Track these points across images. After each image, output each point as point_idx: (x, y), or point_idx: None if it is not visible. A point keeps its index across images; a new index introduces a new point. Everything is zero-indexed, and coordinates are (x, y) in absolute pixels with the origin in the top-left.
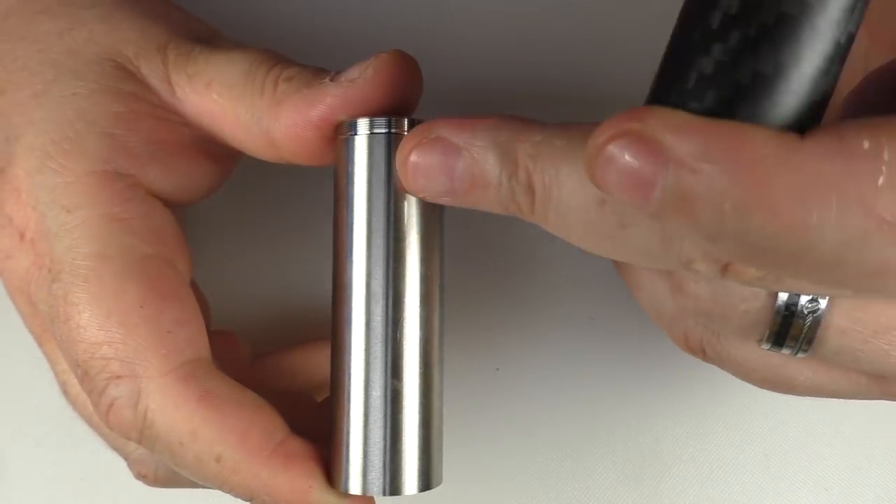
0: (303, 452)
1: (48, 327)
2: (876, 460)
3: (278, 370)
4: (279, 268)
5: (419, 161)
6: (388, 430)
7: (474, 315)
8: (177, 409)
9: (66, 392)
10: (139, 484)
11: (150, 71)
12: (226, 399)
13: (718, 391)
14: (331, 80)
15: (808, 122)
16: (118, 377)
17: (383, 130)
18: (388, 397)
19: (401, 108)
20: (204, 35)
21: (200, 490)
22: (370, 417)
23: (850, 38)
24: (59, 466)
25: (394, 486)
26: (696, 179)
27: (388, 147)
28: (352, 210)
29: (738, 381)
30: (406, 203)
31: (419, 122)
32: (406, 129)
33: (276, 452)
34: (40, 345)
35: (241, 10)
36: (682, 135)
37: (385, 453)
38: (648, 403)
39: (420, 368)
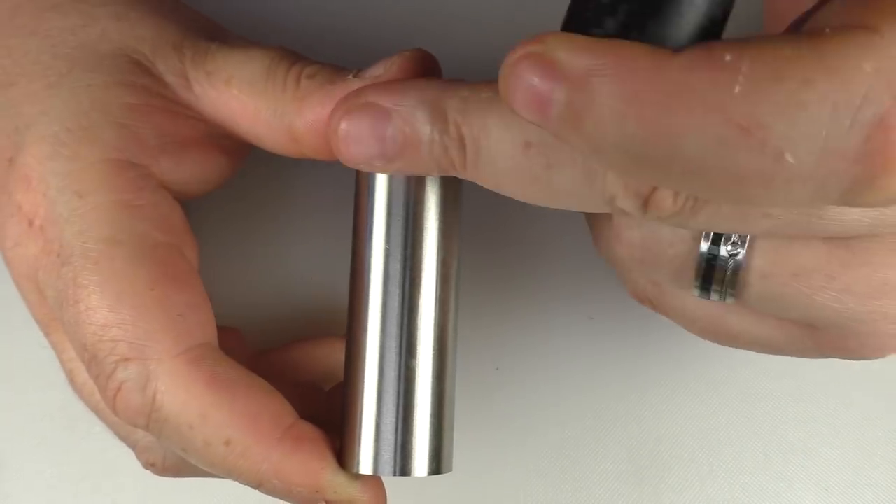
0: (312, 436)
1: (56, 315)
2: (876, 460)
3: (282, 365)
4: (282, 265)
5: (349, 128)
6: (402, 409)
7: (474, 314)
8: (186, 392)
9: (72, 381)
10: (139, 484)
11: (167, 68)
12: (235, 383)
13: (719, 391)
14: (354, 77)
15: None
16: (127, 360)
17: None
18: (403, 376)
19: None
20: (214, 33)
21: (200, 490)
22: (384, 396)
23: None
24: (59, 466)
25: (405, 467)
26: (582, 92)
27: None
28: (373, 195)
29: (739, 381)
30: (425, 188)
31: None
32: None
33: (286, 436)
34: (46, 334)
35: (237, 11)
36: (573, 53)
37: (397, 432)
38: (648, 403)
39: (434, 349)
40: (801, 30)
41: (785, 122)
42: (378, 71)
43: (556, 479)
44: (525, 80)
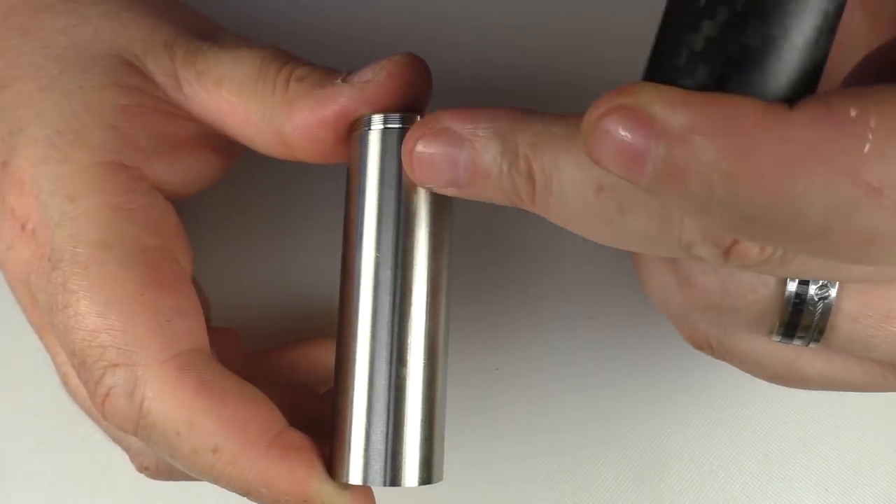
0: (301, 444)
1: (48, 318)
2: (876, 460)
3: (277, 366)
4: (278, 266)
5: (424, 151)
6: (392, 419)
7: (474, 315)
8: (174, 398)
9: (66, 384)
10: (139, 484)
11: (157, 67)
12: (224, 390)
13: (719, 391)
14: (343, 81)
15: (800, 93)
16: (115, 365)
17: (397, 126)
18: (393, 385)
19: (411, 108)
20: (209, 32)
21: (199, 491)
22: (374, 405)
23: (839, 7)
24: (59, 466)
25: (395, 477)
26: (685, 151)
27: (401, 142)
28: (363, 202)
29: (738, 380)
30: (416, 196)
31: None
32: None
33: (275, 444)
34: (40, 337)
35: (235, 11)
36: (672, 108)
37: (387, 442)
38: (648, 403)
39: (425, 357)
40: None
41: None
42: (367, 75)
43: (556, 479)
44: (615, 136)
